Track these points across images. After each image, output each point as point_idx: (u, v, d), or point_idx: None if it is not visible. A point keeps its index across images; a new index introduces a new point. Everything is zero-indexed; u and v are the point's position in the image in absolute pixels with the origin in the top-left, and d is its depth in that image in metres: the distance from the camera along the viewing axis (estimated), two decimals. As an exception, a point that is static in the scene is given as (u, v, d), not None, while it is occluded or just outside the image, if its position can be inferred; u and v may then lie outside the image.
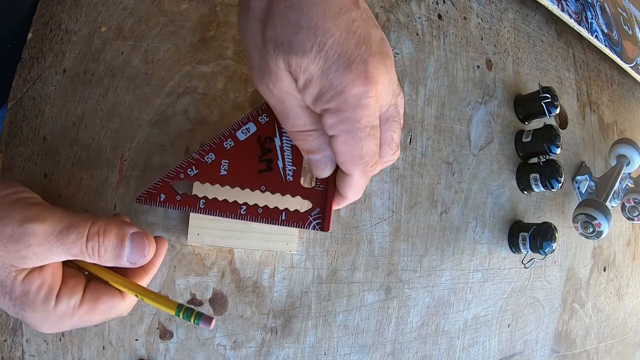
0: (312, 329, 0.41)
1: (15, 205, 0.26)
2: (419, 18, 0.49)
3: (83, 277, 0.29)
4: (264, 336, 0.39)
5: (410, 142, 0.46)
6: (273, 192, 0.32)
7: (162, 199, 0.31)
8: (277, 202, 0.32)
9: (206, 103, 0.38)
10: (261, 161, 0.32)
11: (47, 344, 0.34)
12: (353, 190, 0.31)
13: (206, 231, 0.35)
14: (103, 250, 0.27)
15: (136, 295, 0.29)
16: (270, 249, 0.38)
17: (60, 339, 0.34)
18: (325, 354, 0.41)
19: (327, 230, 0.32)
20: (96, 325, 0.33)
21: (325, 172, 0.31)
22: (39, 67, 0.36)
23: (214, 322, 0.28)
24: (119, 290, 0.29)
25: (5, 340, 0.33)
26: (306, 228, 0.33)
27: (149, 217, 0.36)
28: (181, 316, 0.28)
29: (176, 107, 0.38)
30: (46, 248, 0.26)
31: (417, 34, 0.49)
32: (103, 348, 0.35)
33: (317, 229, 0.32)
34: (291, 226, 0.32)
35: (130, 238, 0.28)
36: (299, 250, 0.40)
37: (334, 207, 0.33)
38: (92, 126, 0.36)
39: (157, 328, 0.36)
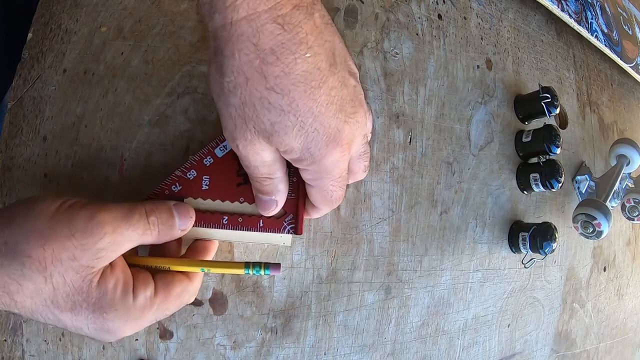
0: (312, 329, 0.41)
1: (74, 207, 0.27)
2: (419, 18, 0.49)
3: (148, 271, 0.31)
4: (264, 336, 0.39)
5: (410, 142, 0.47)
6: (250, 203, 0.35)
7: None
8: (255, 212, 0.35)
9: (206, 103, 0.38)
10: (239, 175, 0.35)
11: (47, 343, 0.34)
12: (318, 215, 0.35)
13: None
14: (160, 223, 0.30)
15: (202, 270, 0.32)
16: (264, 242, 0.38)
17: (60, 339, 0.34)
18: (325, 354, 0.41)
19: (300, 233, 0.35)
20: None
21: (269, 213, 0.34)
22: (39, 67, 0.36)
23: (281, 266, 0.31)
24: (184, 274, 0.32)
25: (5, 340, 0.33)
26: (282, 232, 0.35)
27: (149, 217, 0.36)
28: (251, 272, 0.31)
29: (176, 107, 0.38)
30: (118, 233, 0.27)
31: (417, 34, 0.49)
32: (103, 348, 0.35)
33: (291, 233, 0.35)
34: (268, 232, 0.35)
35: (175, 207, 0.31)
36: (299, 250, 0.40)
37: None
38: (92, 126, 0.36)
39: (157, 328, 0.36)
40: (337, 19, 0.44)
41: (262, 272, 0.31)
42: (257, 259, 0.39)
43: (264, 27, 0.24)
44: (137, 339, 0.36)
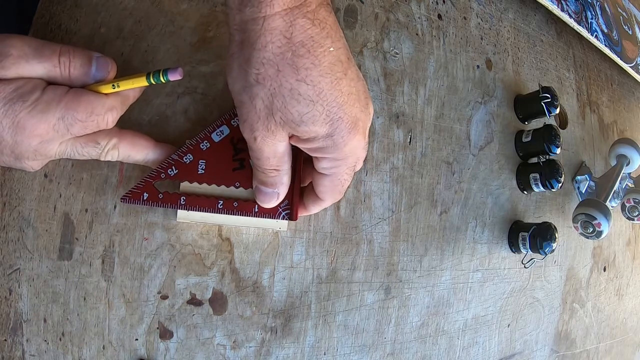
0: (311, 329, 0.41)
1: None
2: (419, 18, 0.49)
3: None
4: (263, 336, 0.39)
5: (410, 142, 0.47)
6: (246, 188, 0.35)
7: (145, 198, 0.34)
8: (250, 196, 0.35)
9: (206, 103, 0.38)
10: (234, 160, 0.35)
11: (47, 343, 0.34)
12: (319, 208, 0.36)
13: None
14: (73, 67, 0.29)
15: (112, 86, 0.30)
16: (259, 226, 0.37)
17: (60, 339, 0.34)
18: (325, 354, 0.41)
19: (295, 219, 0.35)
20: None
21: (269, 205, 0.34)
22: (39, 67, 0.36)
23: (180, 69, 0.29)
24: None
25: (5, 340, 0.33)
26: (277, 218, 0.36)
27: (149, 217, 0.36)
28: (152, 81, 0.29)
29: (176, 107, 0.38)
30: (24, 60, 0.28)
31: (417, 34, 0.49)
32: (103, 348, 0.35)
33: (286, 219, 0.36)
34: (263, 217, 0.35)
35: (96, 59, 0.30)
36: (298, 250, 0.40)
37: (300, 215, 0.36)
38: (92, 126, 0.36)
39: (157, 328, 0.36)
40: (337, 19, 0.44)
41: (162, 79, 0.29)
42: (256, 260, 0.39)
43: (296, 21, 0.26)
44: (137, 339, 0.36)
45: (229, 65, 0.28)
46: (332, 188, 0.33)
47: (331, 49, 0.27)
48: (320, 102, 0.27)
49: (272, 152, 0.30)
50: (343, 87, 0.28)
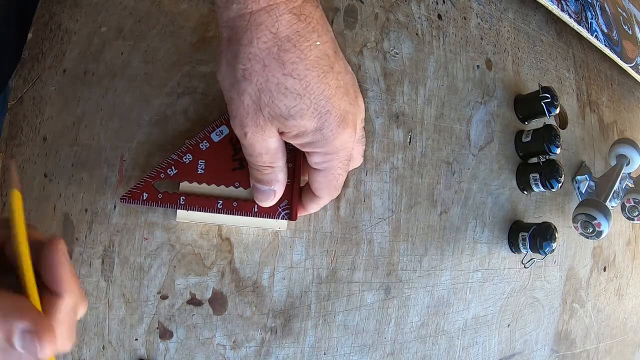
0: (311, 329, 0.41)
1: None
2: (419, 18, 0.49)
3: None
4: (263, 336, 0.39)
5: (410, 142, 0.47)
6: (245, 188, 0.35)
7: (144, 198, 0.34)
8: (250, 196, 0.35)
9: (206, 103, 0.38)
10: (234, 160, 0.35)
11: (47, 343, 0.34)
12: (317, 207, 0.36)
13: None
14: None
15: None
16: (259, 226, 0.37)
17: (60, 339, 0.34)
18: (325, 354, 0.41)
19: (294, 219, 0.36)
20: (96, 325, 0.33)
21: (266, 204, 0.34)
22: (39, 68, 0.36)
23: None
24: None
25: (5, 340, 0.33)
26: (276, 218, 0.36)
27: (149, 217, 0.36)
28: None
29: (176, 107, 0.38)
30: None
31: (417, 34, 0.49)
32: (103, 348, 0.35)
33: (285, 219, 0.36)
34: (263, 217, 0.35)
35: (21, 336, 0.20)
36: (298, 250, 0.40)
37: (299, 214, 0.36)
38: (92, 126, 0.36)
39: (157, 328, 0.36)
40: (337, 19, 0.44)
41: None
42: (256, 260, 0.39)
43: (282, 17, 0.26)
44: (137, 339, 0.36)
45: (218, 63, 0.29)
46: (326, 184, 0.33)
47: (317, 42, 0.27)
48: (307, 95, 0.27)
49: (264, 148, 0.30)
50: (330, 80, 0.28)
